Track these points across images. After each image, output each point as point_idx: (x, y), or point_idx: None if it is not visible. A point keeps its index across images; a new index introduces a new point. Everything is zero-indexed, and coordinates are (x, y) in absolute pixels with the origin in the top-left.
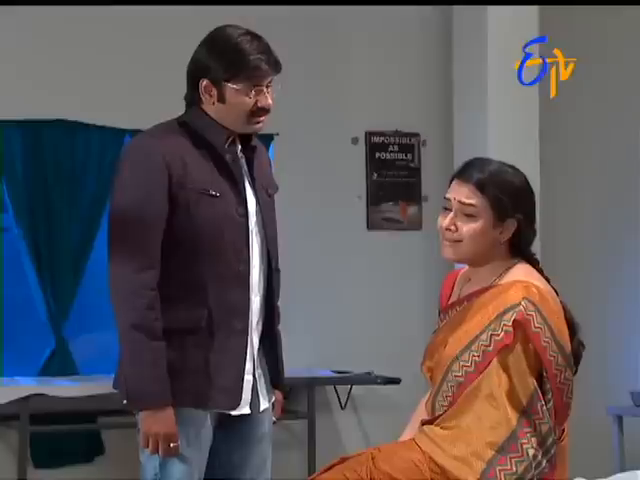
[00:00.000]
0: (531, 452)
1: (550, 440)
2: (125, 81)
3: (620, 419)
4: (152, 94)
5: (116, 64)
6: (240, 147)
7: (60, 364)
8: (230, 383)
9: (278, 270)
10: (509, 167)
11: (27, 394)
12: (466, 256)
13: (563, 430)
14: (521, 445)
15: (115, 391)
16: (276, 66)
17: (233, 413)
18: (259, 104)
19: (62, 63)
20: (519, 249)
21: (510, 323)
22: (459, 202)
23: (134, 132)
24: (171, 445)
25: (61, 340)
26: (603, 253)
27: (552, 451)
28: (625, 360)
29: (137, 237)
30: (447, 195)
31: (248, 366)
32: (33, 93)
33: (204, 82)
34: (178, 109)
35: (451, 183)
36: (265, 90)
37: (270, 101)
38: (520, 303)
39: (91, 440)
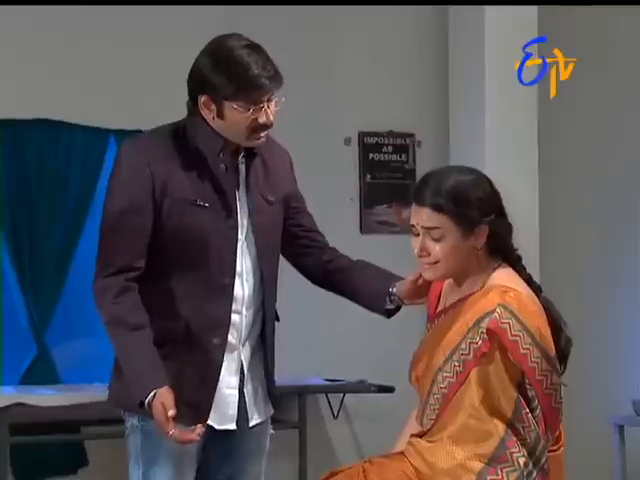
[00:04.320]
0: (522, 461)
1: (540, 448)
2: (109, 80)
3: (621, 428)
4: (137, 93)
5: (100, 63)
6: (243, 154)
7: (42, 372)
8: (198, 398)
9: (274, 283)
10: (466, 174)
11: (7, 403)
12: (446, 274)
13: (559, 438)
14: (511, 454)
15: (100, 399)
16: (277, 81)
17: (217, 428)
18: (260, 120)
19: (44, 62)
20: (498, 247)
21: (485, 330)
22: (422, 227)
23: (118, 132)
24: (168, 435)
25: (43, 347)
26: (603, 256)
27: (543, 459)
28: (626, 368)
29: (115, 244)
30: (411, 221)
31: (233, 381)
32: (15, 92)
33: (203, 97)
34: (163, 108)
35: (412, 206)
36: (266, 105)
37: (271, 117)
38: (495, 310)
39: (74, 451)
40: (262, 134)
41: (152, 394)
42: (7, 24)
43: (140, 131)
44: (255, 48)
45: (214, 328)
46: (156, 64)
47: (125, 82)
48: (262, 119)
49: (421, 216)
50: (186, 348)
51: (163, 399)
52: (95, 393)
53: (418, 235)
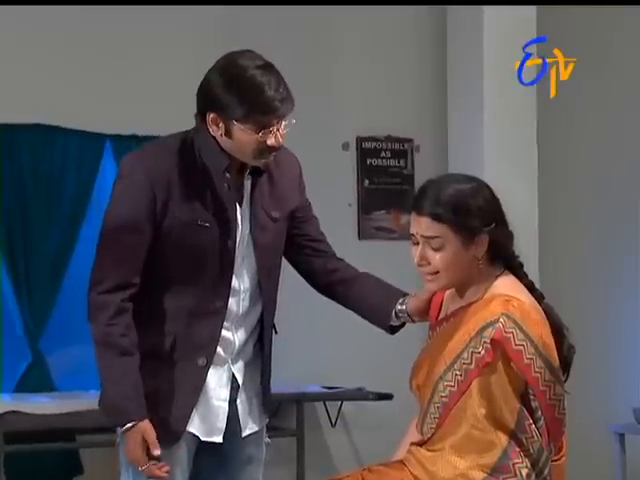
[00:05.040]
0: (524, 472)
1: (543, 459)
2: (105, 85)
3: (622, 437)
4: (132, 98)
5: (96, 67)
6: (249, 170)
7: (37, 380)
8: (174, 416)
9: (272, 298)
10: (465, 183)
11: (2, 411)
12: (449, 283)
13: (560, 448)
14: (514, 465)
15: (96, 407)
16: (288, 104)
17: (202, 439)
18: (268, 143)
19: (40, 66)
20: (498, 255)
21: (489, 340)
22: (422, 236)
23: (114, 137)
24: (140, 469)
25: (38, 354)
26: (603, 257)
27: (546, 471)
28: (627, 376)
29: (114, 259)
30: (410, 230)
31: (223, 393)
32: (10, 96)
33: (211, 115)
34: (159, 113)
35: (411, 214)
36: (275, 128)
37: (281, 140)
38: (498, 319)
39: (69, 459)
40: (269, 155)
41: (131, 423)
42: (2, 27)
43: (136, 136)
44: (268, 68)
45: (201, 348)
46: (153, 68)
47: (121, 87)
48: (271, 141)
49: (420, 225)
50: (170, 366)
51: (145, 434)
52: (90, 401)
53: (418, 244)
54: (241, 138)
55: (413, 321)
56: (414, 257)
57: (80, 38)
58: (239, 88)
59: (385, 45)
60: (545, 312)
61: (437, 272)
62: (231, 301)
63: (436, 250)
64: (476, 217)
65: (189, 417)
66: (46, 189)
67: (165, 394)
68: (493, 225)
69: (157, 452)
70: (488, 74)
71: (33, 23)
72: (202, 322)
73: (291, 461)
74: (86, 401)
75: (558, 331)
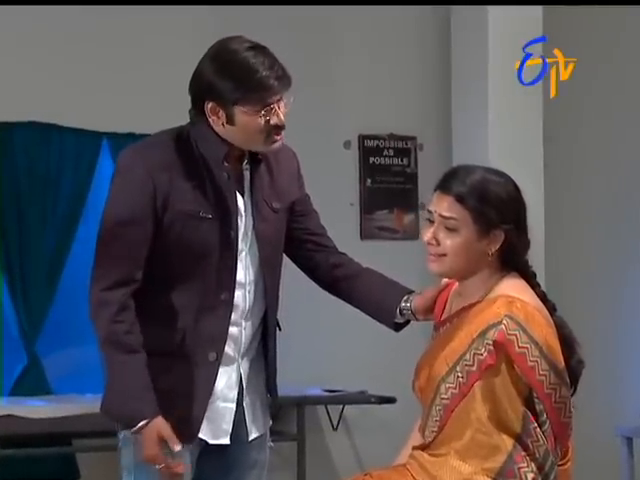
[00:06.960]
0: (530, 476)
1: (549, 463)
2: (101, 83)
3: (630, 441)
4: (129, 96)
5: (92, 65)
6: (247, 160)
7: (32, 382)
8: (189, 414)
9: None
10: (495, 175)
11: None
12: (452, 270)
13: (566, 453)
14: (519, 470)
15: (93, 411)
16: (285, 82)
17: (210, 442)
18: (272, 122)
19: (36, 63)
20: (510, 260)
21: (492, 342)
22: (440, 215)
23: (111, 135)
24: (157, 467)
25: (34, 357)
26: (610, 257)
27: (552, 476)
28: (635, 378)
29: (114, 255)
30: (429, 207)
31: (231, 395)
32: (5, 94)
33: (209, 104)
34: (156, 111)
35: (434, 194)
36: (276, 106)
37: (283, 117)
38: (501, 321)
39: (65, 464)
40: (277, 137)
41: (145, 422)
42: None
43: (133, 134)
44: (260, 49)
45: (210, 342)
46: (150, 66)
47: (118, 84)
48: (274, 120)
49: (442, 204)
50: (181, 362)
51: (162, 430)
52: (87, 404)
53: (432, 223)
54: (244, 121)
55: (417, 319)
56: (425, 234)
57: (76, 36)
58: (234, 71)
59: (389, 44)
60: (556, 325)
61: (444, 255)
62: (237, 294)
63: (450, 231)
64: (496, 209)
65: (203, 417)
66: (42, 188)
67: (179, 393)
68: (512, 225)
69: (178, 447)
70: (492, 74)
71: (29, 21)
72: (209, 316)
73: (292, 465)
74: (83, 404)
75: (569, 345)
